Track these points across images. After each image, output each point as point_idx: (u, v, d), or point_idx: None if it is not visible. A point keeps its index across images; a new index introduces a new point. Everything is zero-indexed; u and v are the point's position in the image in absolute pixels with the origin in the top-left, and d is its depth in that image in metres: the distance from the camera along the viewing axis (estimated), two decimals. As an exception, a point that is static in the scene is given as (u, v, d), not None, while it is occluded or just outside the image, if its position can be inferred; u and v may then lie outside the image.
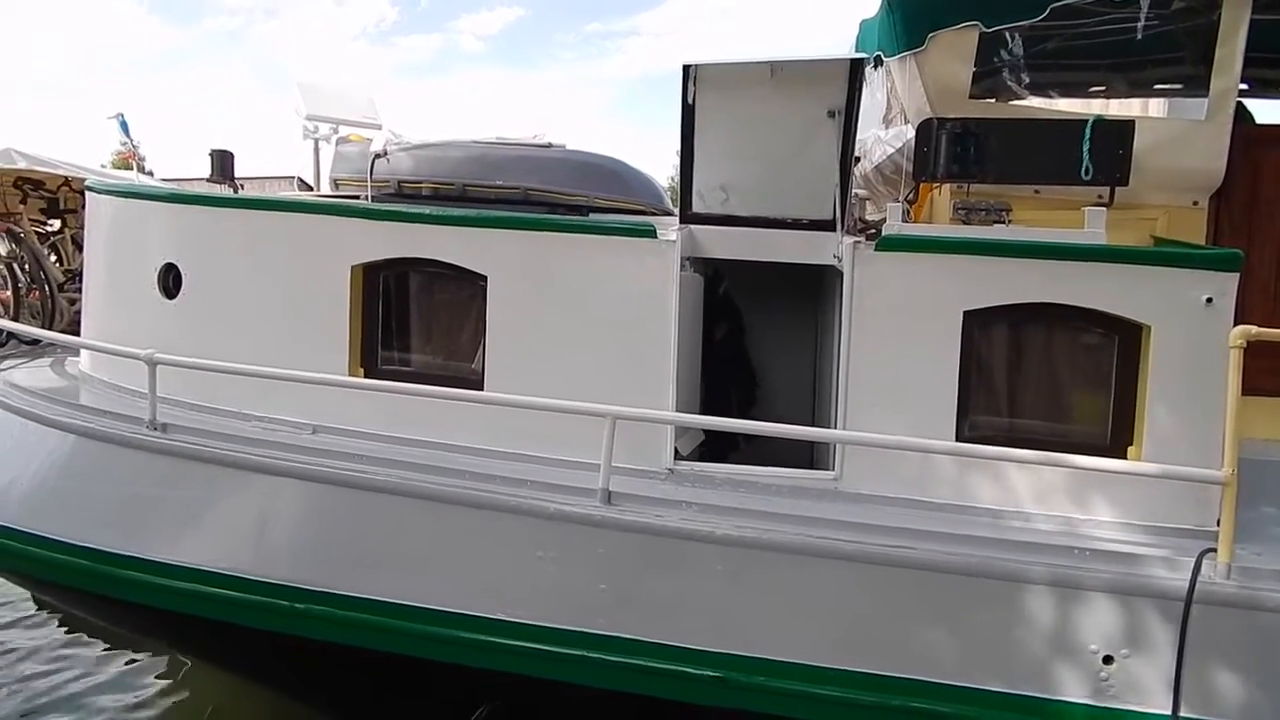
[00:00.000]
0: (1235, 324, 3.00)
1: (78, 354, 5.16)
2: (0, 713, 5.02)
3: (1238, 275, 3.26)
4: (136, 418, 3.90)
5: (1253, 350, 2.91)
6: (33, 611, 6.30)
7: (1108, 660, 2.97)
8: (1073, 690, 3.00)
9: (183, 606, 3.74)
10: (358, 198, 5.06)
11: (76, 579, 3.97)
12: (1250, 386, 2.96)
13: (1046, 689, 3.01)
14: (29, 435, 4.18)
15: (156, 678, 5.62)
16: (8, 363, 5.30)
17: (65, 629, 6.11)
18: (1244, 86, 4.83)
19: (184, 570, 3.70)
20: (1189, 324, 3.28)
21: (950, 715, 3.06)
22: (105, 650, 5.89)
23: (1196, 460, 3.17)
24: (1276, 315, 3.93)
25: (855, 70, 3.82)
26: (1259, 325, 2.90)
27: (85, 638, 6.01)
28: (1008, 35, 4.45)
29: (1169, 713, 2.91)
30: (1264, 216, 4.13)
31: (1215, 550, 2.96)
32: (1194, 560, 2.94)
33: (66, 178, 7.56)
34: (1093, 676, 2.98)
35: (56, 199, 7.72)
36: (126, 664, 5.75)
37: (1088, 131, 3.66)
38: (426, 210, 4.15)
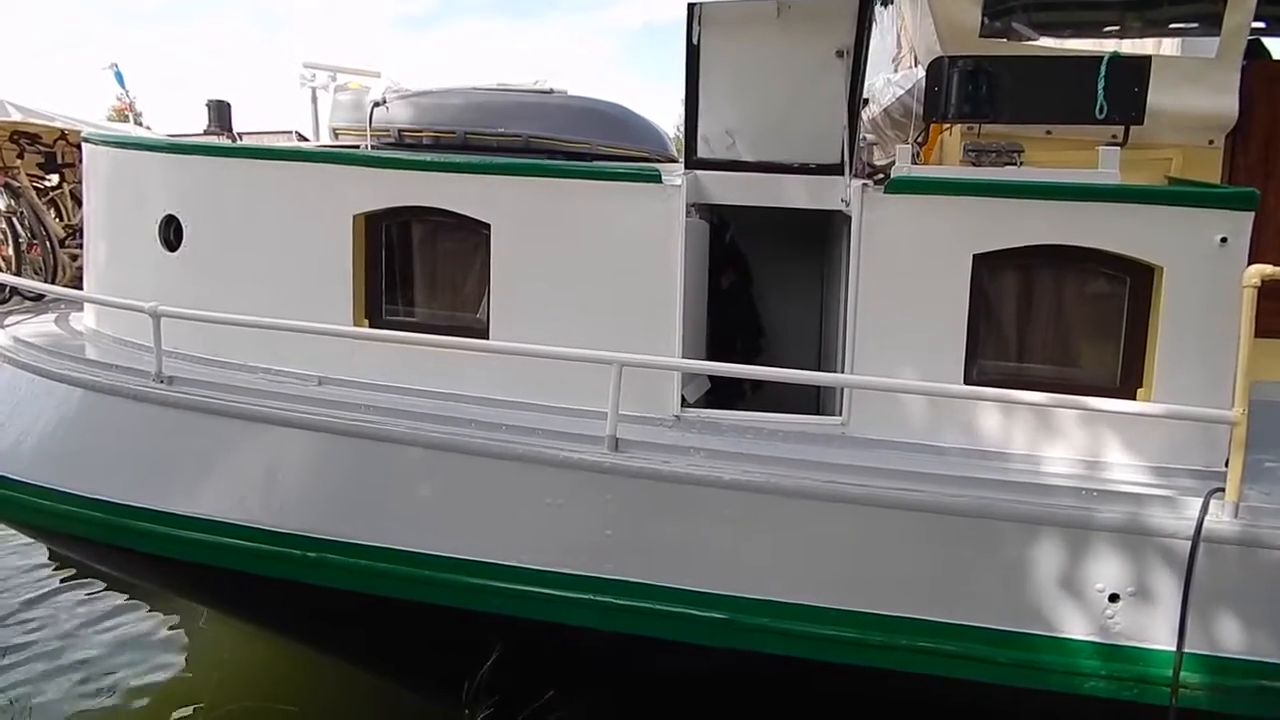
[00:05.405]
0: (1249, 264, 2.96)
1: (81, 309, 5.14)
2: (8, 659, 5.09)
3: (1253, 215, 3.21)
4: (142, 371, 3.89)
5: (1266, 291, 2.87)
6: (44, 563, 6.40)
7: (1114, 599, 2.99)
8: (1078, 628, 3.03)
9: (192, 556, 3.77)
10: (357, 147, 4.99)
11: (86, 530, 4.01)
12: (1264, 328, 2.93)
13: (1052, 627, 3.04)
14: (36, 390, 4.19)
15: (168, 627, 5.71)
16: (12, 318, 5.29)
17: (75, 579, 6.20)
18: (1261, 25, 4.70)
19: (192, 520, 3.72)
20: (1202, 265, 3.23)
21: (956, 654, 3.10)
22: (108, 596, 5.98)
23: (1207, 402, 3.15)
24: None
25: (865, 7, 3.73)
26: (1274, 265, 2.85)
27: (96, 587, 6.10)
28: (1020, -29, 4.33)
29: (1173, 649, 2.94)
30: None
31: (1223, 490, 2.96)
32: (1202, 500, 2.94)
33: (63, 131, 7.44)
34: (1099, 614, 3.01)
35: (54, 153, 7.60)
36: (136, 613, 5.84)
37: (1103, 69, 3.56)
38: (427, 158, 4.08)
